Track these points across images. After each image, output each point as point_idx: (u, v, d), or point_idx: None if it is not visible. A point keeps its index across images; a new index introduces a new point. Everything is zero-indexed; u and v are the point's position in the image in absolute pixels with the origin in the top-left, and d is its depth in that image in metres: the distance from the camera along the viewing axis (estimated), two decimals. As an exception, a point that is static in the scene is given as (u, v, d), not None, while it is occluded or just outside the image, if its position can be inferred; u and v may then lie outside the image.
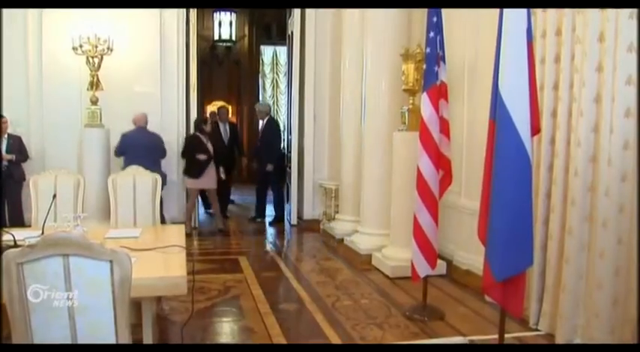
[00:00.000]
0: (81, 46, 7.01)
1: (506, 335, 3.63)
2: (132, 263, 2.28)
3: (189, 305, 4.00)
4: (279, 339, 4.15)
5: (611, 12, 3.68)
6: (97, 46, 7.05)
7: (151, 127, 7.50)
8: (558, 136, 4.15)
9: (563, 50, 4.11)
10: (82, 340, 2.25)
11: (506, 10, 3.23)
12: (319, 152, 8.50)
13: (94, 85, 7.13)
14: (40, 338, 2.24)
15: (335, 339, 4.19)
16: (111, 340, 2.29)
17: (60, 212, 4.10)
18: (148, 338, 3.21)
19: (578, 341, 4.00)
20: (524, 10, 3.21)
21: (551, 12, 4.20)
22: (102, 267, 2.21)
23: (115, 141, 7.19)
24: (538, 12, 4.26)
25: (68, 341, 2.25)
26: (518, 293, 3.34)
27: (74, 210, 4.37)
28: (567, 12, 4.04)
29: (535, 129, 3.40)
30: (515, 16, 3.20)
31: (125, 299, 2.28)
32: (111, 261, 2.22)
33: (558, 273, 4.14)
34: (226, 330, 4.46)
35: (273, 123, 9.19)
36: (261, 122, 9.15)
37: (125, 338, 2.30)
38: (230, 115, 11.27)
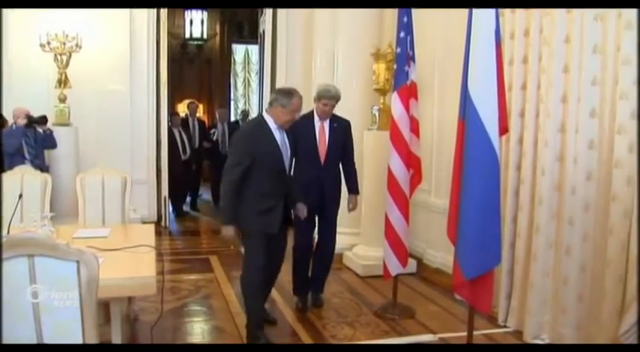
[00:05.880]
0: (49, 43, 6.88)
1: (475, 333, 3.67)
2: (99, 263, 2.26)
3: (159, 306, 3.97)
4: (250, 339, 4.14)
5: (576, 14, 3.76)
6: (65, 43, 6.93)
7: (121, 125, 7.51)
8: (526, 136, 4.22)
9: (530, 51, 4.18)
10: (48, 340, 2.22)
11: (475, 11, 3.26)
12: (291, 151, 8.48)
13: (63, 82, 7.00)
14: (4, 339, 2.20)
15: (306, 338, 4.19)
16: (78, 341, 2.26)
17: (26, 212, 4.04)
18: (117, 339, 3.18)
19: (545, 337, 4.08)
20: (492, 11, 3.25)
21: (520, 13, 4.26)
22: (68, 268, 2.18)
23: (84, 139, 7.08)
24: (506, 13, 4.32)
25: (34, 342, 2.21)
26: (487, 290, 3.39)
27: (41, 209, 4.30)
28: (535, 13, 4.11)
29: (503, 129, 3.44)
30: (483, 17, 3.23)
31: (92, 300, 2.25)
32: (77, 262, 2.19)
33: (526, 270, 4.21)
34: (196, 330, 4.42)
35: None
36: (319, 123, 4.76)
37: (92, 339, 2.27)
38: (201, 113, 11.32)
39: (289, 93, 4.01)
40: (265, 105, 8.23)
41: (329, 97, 4.62)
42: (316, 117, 4.77)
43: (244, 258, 4.06)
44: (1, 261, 2.11)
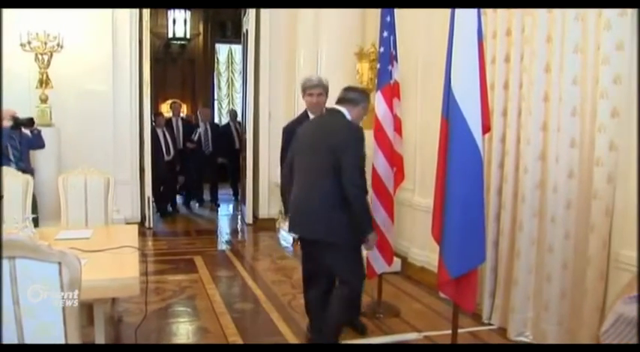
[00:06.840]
0: (29, 43, 6.80)
1: (460, 330, 3.70)
2: (82, 264, 2.24)
3: (143, 307, 3.95)
4: (235, 339, 4.13)
5: (557, 14, 3.80)
6: (46, 43, 6.86)
7: (104, 125, 7.48)
8: (508, 134, 4.25)
9: (512, 50, 4.21)
10: (30, 342, 2.20)
11: (457, 11, 3.28)
12: (274, 150, 8.44)
13: (44, 82, 6.93)
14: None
15: (291, 338, 4.19)
16: (60, 343, 2.24)
17: (8, 213, 3.99)
18: (100, 340, 3.16)
19: (528, 333, 4.11)
20: (474, 11, 3.27)
21: (502, 12, 4.29)
22: (50, 269, 2.16)
23: (65, 140, 7.01)
24: (489, 12, 4.34)
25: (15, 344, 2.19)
26: (471, 288, 3.41)
27: (23, 211, 4.26)
28: (517, 13, 4.14)
29: (485, 128, 3.47)
30: (466, 17, 3.26)
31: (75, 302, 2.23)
32: (59, 263, 2.16)
33: (509, 268, 4.24)
34: (181, 331, 4.40)
35: None
36: None
37: (75, 341, 2.25)
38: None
39: (369, 96, 3.87)
40: (249, 104, 8.33)
41: (313, 86, 4.23)
42: (311, 116, 4.26)
43: (353, 272, 3.64)
44: (0, 259, 2.08)
